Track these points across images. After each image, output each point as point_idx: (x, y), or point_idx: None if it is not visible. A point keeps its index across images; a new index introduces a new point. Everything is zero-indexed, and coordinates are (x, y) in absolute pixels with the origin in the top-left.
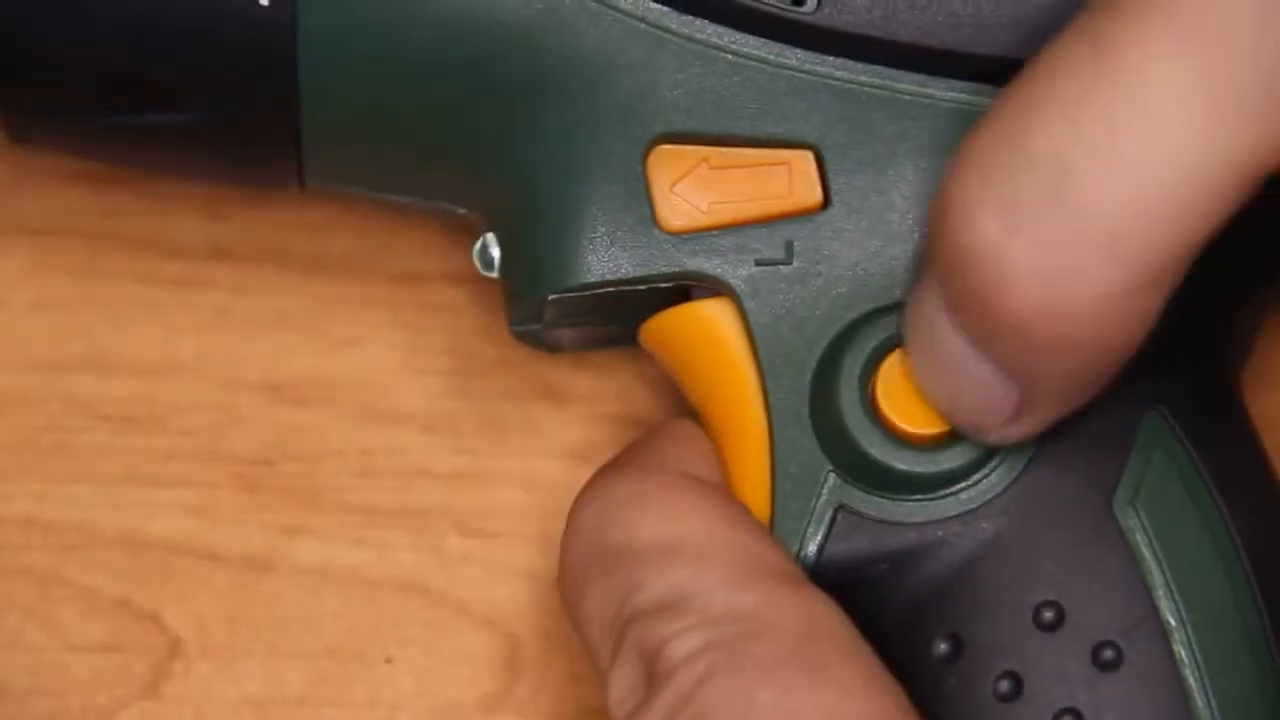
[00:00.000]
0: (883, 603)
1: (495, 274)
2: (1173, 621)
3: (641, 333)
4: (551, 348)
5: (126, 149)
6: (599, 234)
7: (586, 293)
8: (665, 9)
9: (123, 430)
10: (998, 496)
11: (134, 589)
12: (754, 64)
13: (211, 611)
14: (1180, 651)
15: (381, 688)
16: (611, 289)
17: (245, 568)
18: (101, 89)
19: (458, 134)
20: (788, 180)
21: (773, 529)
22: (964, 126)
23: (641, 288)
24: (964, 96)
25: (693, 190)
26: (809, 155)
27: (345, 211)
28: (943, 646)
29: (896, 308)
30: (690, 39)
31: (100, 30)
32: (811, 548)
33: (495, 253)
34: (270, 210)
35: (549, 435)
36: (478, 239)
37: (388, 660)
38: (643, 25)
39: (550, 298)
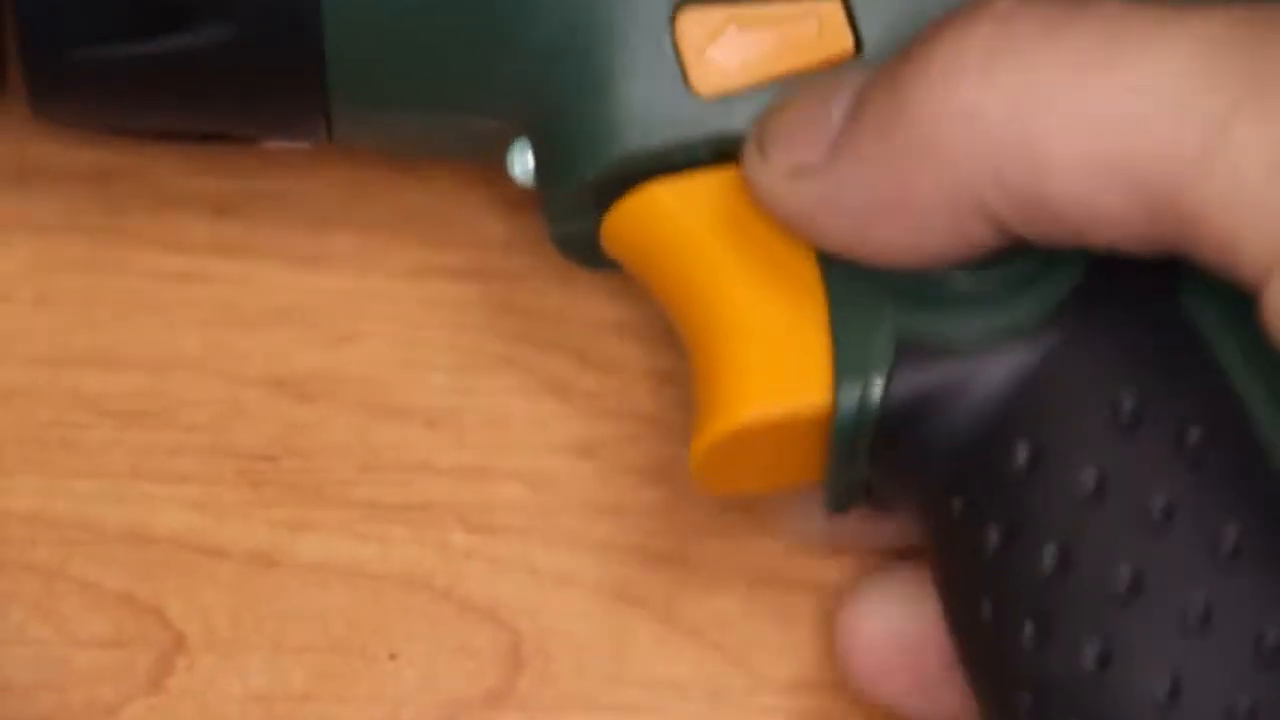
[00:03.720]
0: (959, 425)
1: (530, 181)
2: (1252, 404)
3: (607, 230)
4: (594, 258)
5: (147, 87)
6: (633, 103)
7: (624, 167)
8: None
9: (127, 425)
10: (1061, 304)
11: (138, 584)
12: None
13: (216, 606)
14: (1261, 435)
15: (385, 683)
16: (651, 159)
17: (249, 563)
18: (127, 6)
19: (484, 21)
20: (817, 30)
21: (837, 369)
22: None
23: (680, 157)
24: None
25: (723, 52)
26: (837, 3)
27: (349, 207)
28: (1023, 455)
29: None
30: None
31: None
32: (878, 383)
33: (529, 157)
34: (274, 206)
35: (553, 431)
36: (509, 149)
37: (391, 656)
38: None
39: (591, 175)
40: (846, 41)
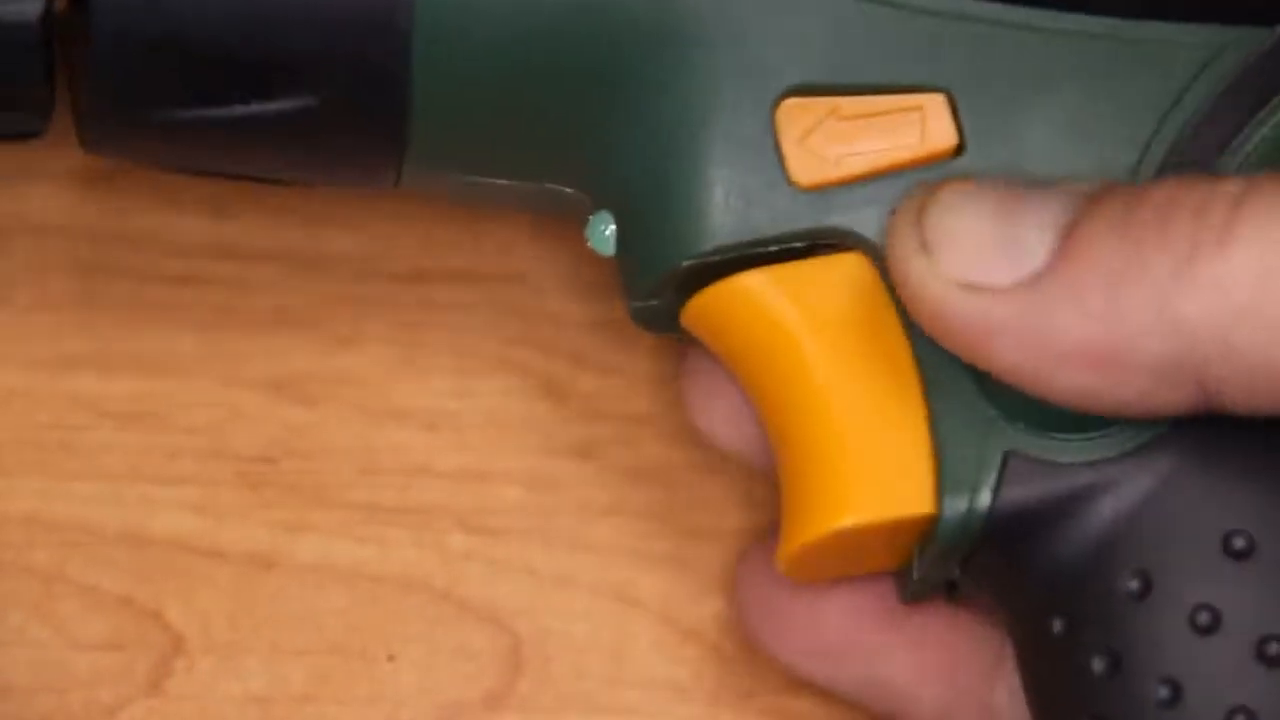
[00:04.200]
0: (1064, 546)
1: (611, 252)
2: None
3: (691, 312)
4: (670, 330)
5: (210, 150)
6: (730, 193)
7: (717, 257)
8: None
9: (125, 428)
10: (1171, 427)
11: (137, 586)
12: (882, 5)
13: (214, 609)
14: None
15: (384, 685)
16: (746, 250)
17: (248, 565)
18: (210, 77)
19: (577, 103)
20: (920, 126)
21: (941, 482)
22: (1100, 61)
23: (774, 248)
24: (1093, 28)
25: (823, 142)
26: (942, 99)
27: (347, 209)
28: (1132, 584)
29: None
30: None
31: (208, 12)
32: (985, 497)
33: (610, 229)
34: (273, 208)
35: (550, 433)
36: (587, 218)
37: (390, 658)
38: None
39: (684, 264)
40: (950, 139)
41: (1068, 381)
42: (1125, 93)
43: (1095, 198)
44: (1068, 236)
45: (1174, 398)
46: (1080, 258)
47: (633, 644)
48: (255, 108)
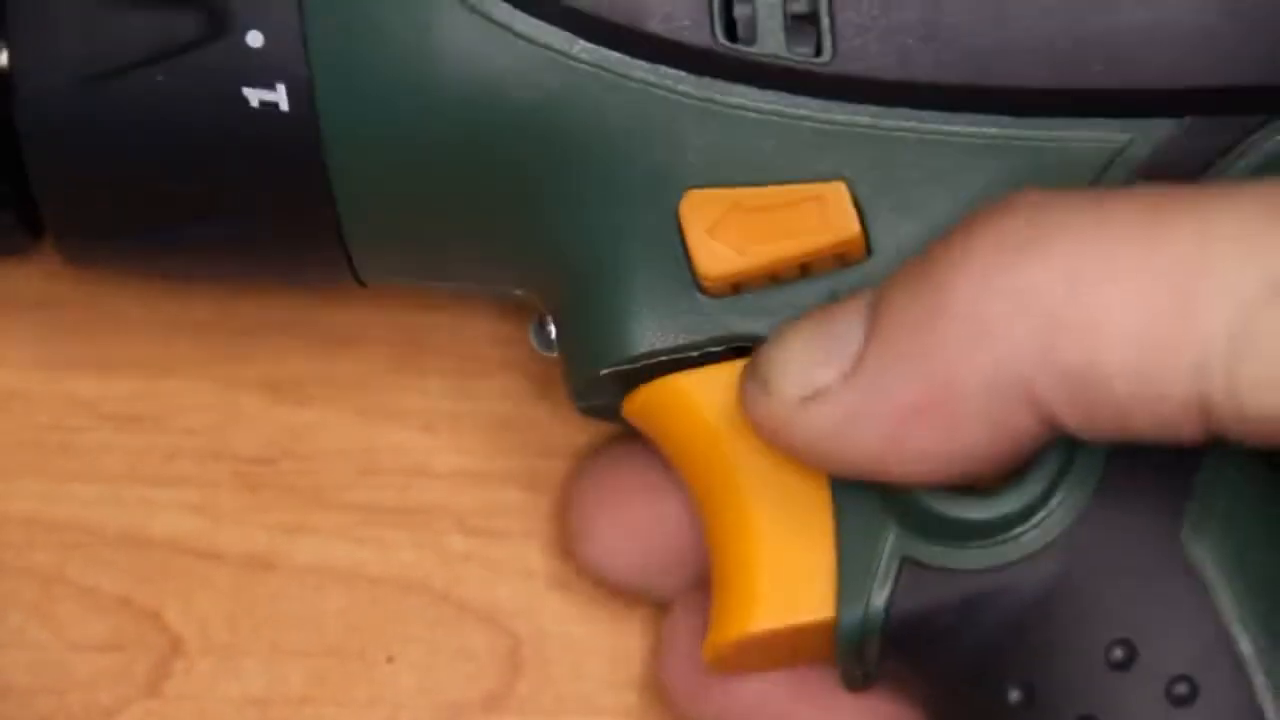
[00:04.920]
0: (953, 653)
1: (553, 353)
2: (1248, 650)
3: (629, 409)
4: (616, 420)
5: (178, 264)
6: (643, 304)
7: (637, 365)
8: (682, 74)
9: (124, 429)
10: (1061, 536)
11: (135, 588)
12: (776, 119)
13: (213, 610)
14: (1257, 680)
15: (383, 686)
16: (662, 358)
17: (247, 566)
18: (143, 207)
19: (492, 216)
20: (822, 213)
21: (839, 587)
22: (994, 161)
23: (694, 354)
24: (992, 130)
25: (727, 233)
26: (841, 186)
27: None
28: (1015, 694)
29: None
30: (709, 100)
31: (132, 150)
32: (879, 602)
33: (552, 332)
34: None
35: (549, 434)
36: (534, 319)
37: (389, 659)
38: (660, 92)
39: (602, 373)
40: (853, 225)
41: (916, 449)
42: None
43: (897, 270)
44: (875, 312)
45: (1020, 427)
46: (889, 318)
47: (632, 646)
48: (194, 230)
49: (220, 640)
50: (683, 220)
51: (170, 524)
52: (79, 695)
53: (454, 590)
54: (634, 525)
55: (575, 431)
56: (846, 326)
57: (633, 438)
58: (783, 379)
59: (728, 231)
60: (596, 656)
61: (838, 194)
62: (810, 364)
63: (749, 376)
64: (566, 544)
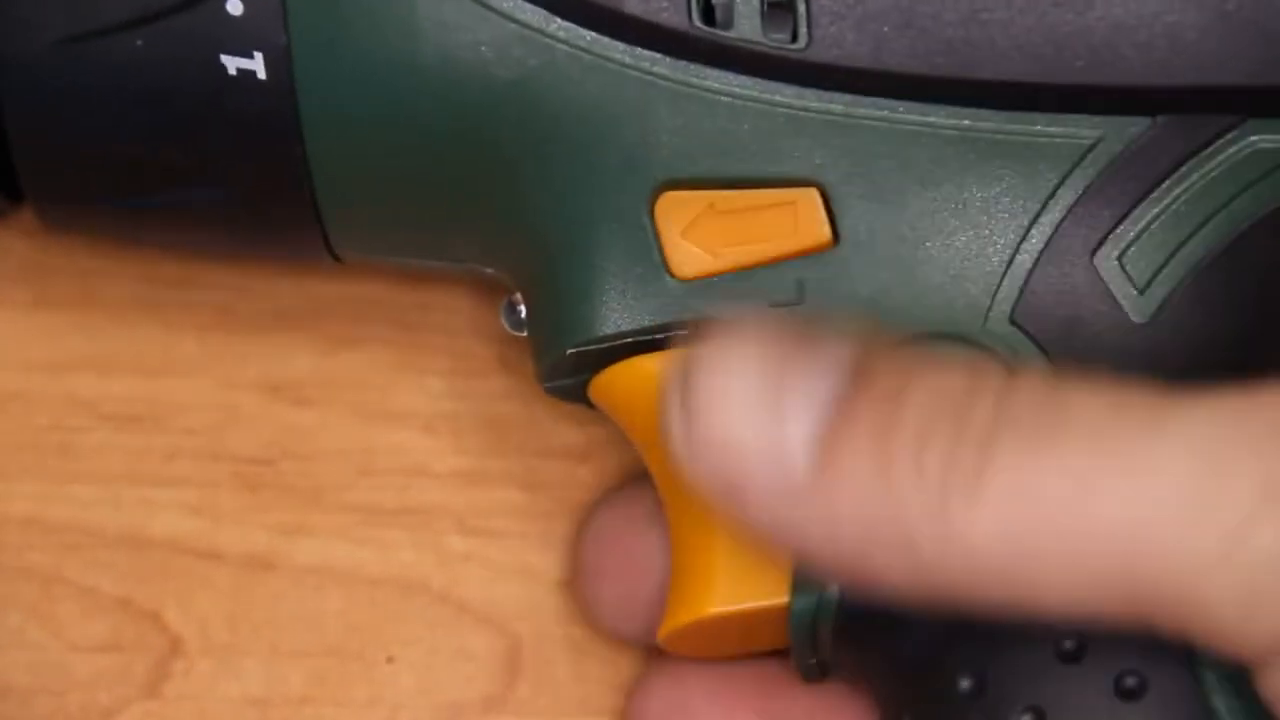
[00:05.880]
0: (904, 643)
1: (524, 333)
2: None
3: (595, 391)
4: (583, 403)
5: (156, 231)
6: (612, 286)
7: (604, 345)
8: (658, 56)
9: (124, 430)
10: None
11: (135, 588)
12: (750, 104)
13: (212, 611)
14: (1206, 675)
15: (382, 687)
16: (629, 340)
17: (246, 567)
18: (120, 172)
19: (467, 194)
20: (794, 219)
21: (794, 573)
22: (966, 153)
23: (660, 336)
24: (965, 123)
25: (701, 236)
26: (814, 193)
27: None
28: (966, 683)
29: (913, 342)
30: (685, 84)
31: (110, 115)
32: (832, 590)
33: (522, 311)
34: None
35: (548, 434)
36: (505, 298)
37: (388, 659)
38: (636, 74)
39: (568, 351)
40: (824, 233)
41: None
42: (1001, 183)
43: (860, 380)
44: (827, 445)
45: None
46: (837, 475)
47: (631, 646)
48: (170, 196)
49: (220, 640)
50: (657, 221)
51: (170, 524)
52: (78, 696)
53: (453, 591)
54: (639, 594)
55: (575, 431)
56: (796, 422)
57: (629, 492)
58: (708, 417)
59: (701, 234)
60: (596, 658)
61: (810, 201)
62: (745, 422)
63: (672, 387)
64: (578, 608)
